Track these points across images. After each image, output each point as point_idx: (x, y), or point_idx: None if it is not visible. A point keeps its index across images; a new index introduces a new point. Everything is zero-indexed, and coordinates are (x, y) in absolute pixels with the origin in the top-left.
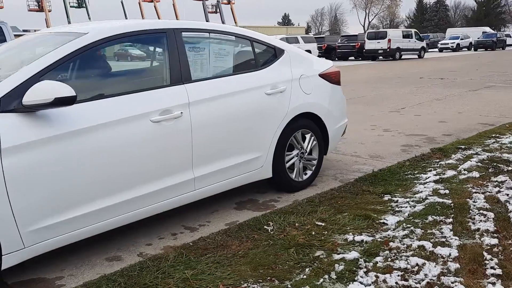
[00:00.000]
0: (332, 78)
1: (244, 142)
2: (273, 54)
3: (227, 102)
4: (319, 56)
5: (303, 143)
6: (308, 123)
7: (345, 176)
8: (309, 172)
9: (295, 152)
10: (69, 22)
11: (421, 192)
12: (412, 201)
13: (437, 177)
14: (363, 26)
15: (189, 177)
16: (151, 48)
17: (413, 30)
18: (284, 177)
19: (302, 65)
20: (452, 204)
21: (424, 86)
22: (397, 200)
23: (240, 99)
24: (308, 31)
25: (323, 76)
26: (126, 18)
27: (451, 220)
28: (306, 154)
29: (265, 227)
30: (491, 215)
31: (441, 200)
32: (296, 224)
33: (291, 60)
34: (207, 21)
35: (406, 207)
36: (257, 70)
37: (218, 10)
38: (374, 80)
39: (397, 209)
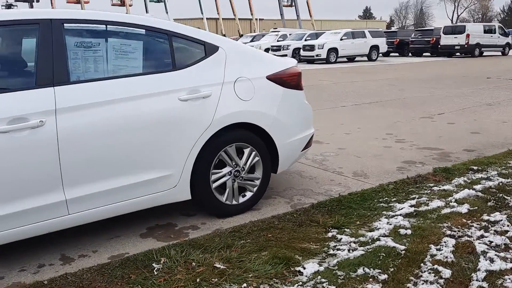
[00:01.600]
0: (287, 81)
1: (144, 157)
2: (201, 51)
3: (120, 109)
4: (388, 51)
5: (241, 159)
6: (246, 135)
7: (304, 199)
8: (249, 194)
9: (226, 169)
10: None
11: (378, 229)
12: (357, 242)
13: (413, 209)
14: (451, 20)
15: (57, 199)
16: (15, 43)
17: (496, 24)
18: (210, 199)
19: (243, 66)
20: (403, 252)
21: (484, 88)
22: (341, 239)
23: (139, 106)
24: (390, 25)
25: (273, 79)
26: (202, 14)
27: (386, 276)
28: (244, 172)
29: (154, 264)
30: (446, 273)
31: (393, 244)
32: (193, 263)
33: (227, 60)
34: (281, 14)
35: (344, 249)
36: (174, 71)
37: (293, 4)
38: (432, 79)
39: (331, 251)
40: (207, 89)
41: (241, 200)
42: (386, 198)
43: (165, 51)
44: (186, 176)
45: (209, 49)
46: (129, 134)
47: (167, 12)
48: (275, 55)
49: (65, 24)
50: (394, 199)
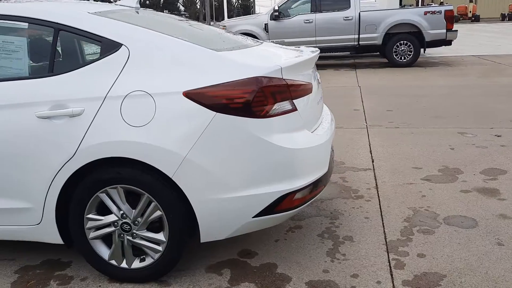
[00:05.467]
0: (222, 101)
1: None
2: (99, 51)
3: None
4: None
5: (135, 209)
6: (138, 176)
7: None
8: (149, 260)
9: (110, 218)
10: None
11: None
12: None
13: None
14: None
15: None
16: None
17: None
18: (86, 252)
19: (152, 72)
20: None
21: None
22: None
23: None
24: None
25: (195, 96)
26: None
27: None
28: (138, 228)
29: None
30: None
31: None
32: None
33: (128, 63)
34: None
35: None
36: (47, 77)
37: None
38: None
39: None
40: (78, 105)
41: (136, 265)
42: None
43: (45, 50)
44: (50, 214)
45: (106, 48)
46: None
47: None
48: None
49: None
50: None
